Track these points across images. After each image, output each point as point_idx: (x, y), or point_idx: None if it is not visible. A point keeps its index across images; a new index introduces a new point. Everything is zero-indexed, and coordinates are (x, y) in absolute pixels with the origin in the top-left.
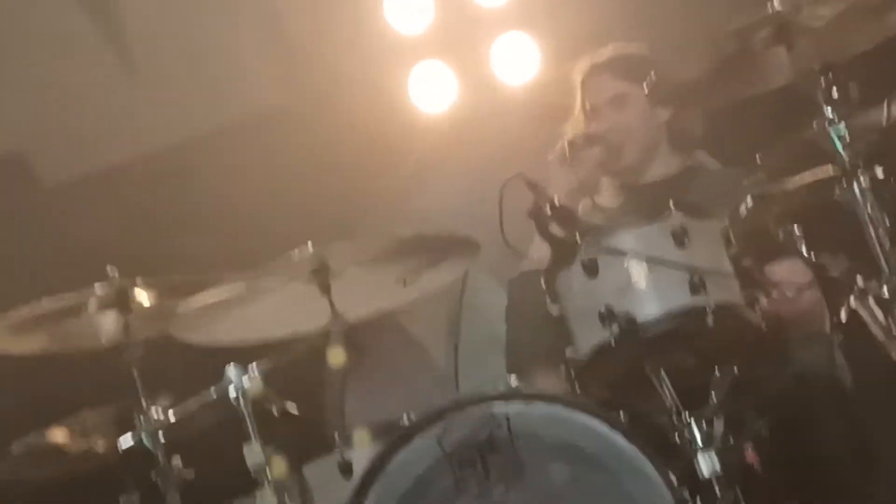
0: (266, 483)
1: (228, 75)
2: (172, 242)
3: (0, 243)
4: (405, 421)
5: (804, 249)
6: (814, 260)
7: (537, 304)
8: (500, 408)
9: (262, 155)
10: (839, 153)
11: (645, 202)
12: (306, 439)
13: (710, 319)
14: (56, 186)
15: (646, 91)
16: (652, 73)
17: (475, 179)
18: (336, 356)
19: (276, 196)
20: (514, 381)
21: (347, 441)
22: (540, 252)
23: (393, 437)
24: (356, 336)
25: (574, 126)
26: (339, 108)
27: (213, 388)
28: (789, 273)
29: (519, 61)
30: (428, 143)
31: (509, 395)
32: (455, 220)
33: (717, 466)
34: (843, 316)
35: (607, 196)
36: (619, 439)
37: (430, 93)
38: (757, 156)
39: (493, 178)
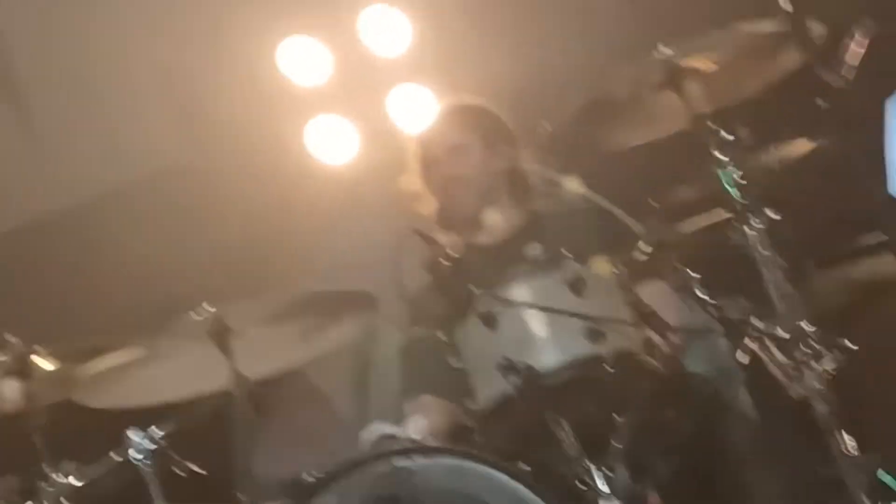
0: None
1: (125, 132)
2: (71, 307)
3: None
4: (307, 478)
5: (701, 293)
6: (711, 303)
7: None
8: (402, 462)
9: (160, 213)
10: (732, 197)
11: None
12: (212, 500)
13: (609, 367)
14: None
15: (484, 142)
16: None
17: (378, 232)
18: None
19: (176, 256)
20: (418, 431)
21: (254, 500)
22: None
23: (296, 496)
24: (261, 394)
25: (408, 179)
26: (238, 163)
27: (114, 452)
28: (653, 293)
29: (417, 112)
30: (329, 196)
31: (412, 450)
32: (360, 274)
33: None
34: (743, 357)
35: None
36: (523, 491)
37: (330, 145)
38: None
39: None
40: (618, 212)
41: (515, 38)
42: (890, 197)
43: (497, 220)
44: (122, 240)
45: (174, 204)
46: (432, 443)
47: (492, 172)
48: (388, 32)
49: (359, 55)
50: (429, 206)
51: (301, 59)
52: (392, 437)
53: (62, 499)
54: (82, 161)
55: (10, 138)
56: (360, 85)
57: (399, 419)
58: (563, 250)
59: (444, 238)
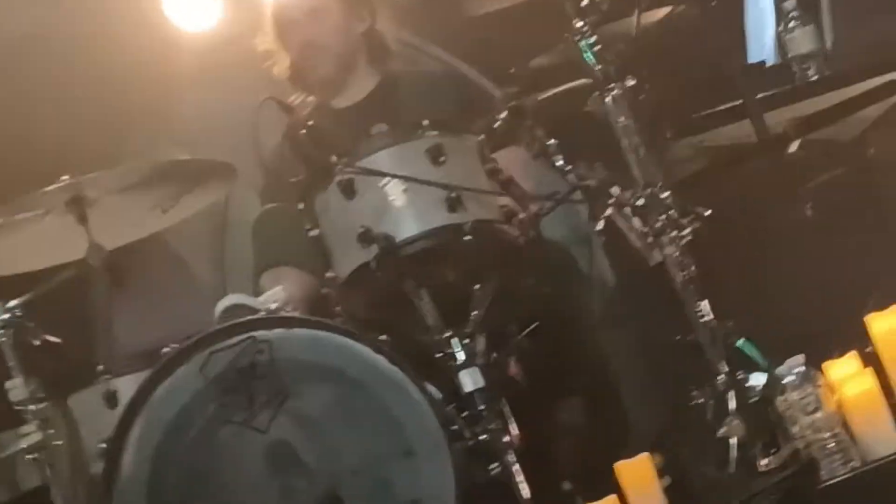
0: (30, 417)
1: None
2: None
3: None
4: (167, 349)
5: (558, 160)
6: (569, 169)
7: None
8: (261, 334)
9: (14, 81)
10: (591, 64)
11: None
12: (70, 371)
13: (468, 236)
14: None
15: (343, 3)
16: None
17: (237, 98)
18: None
19: (31, 125)
20: (276, 301)
21: (112, 371)
22: None
23: (156, 367)
24: (117, 262)
25: (263, 41)
26: (94, 29)
27: None
28: (511, 160)
29: None
30: (187, 62)
31: (270, 321)
32: (216, 142)
33: (481, 382)
34: (601, 224)
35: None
36: (382, 361)
37: (190, 9)
38: (511, 69)
39: (254, 98)
40: (475, 74)
41: None
42: (747, 63)
43: (355, 83)
44: None
45: (28, 71)
46: (290, 313)
47: (350, 35)
48: None
49: None
50: (283, 66)
51: None
52: (246, 308)
53: None
54: None
55: None
56: None
57: (255, 289)
58: (421, 119)
59: (300, 104)
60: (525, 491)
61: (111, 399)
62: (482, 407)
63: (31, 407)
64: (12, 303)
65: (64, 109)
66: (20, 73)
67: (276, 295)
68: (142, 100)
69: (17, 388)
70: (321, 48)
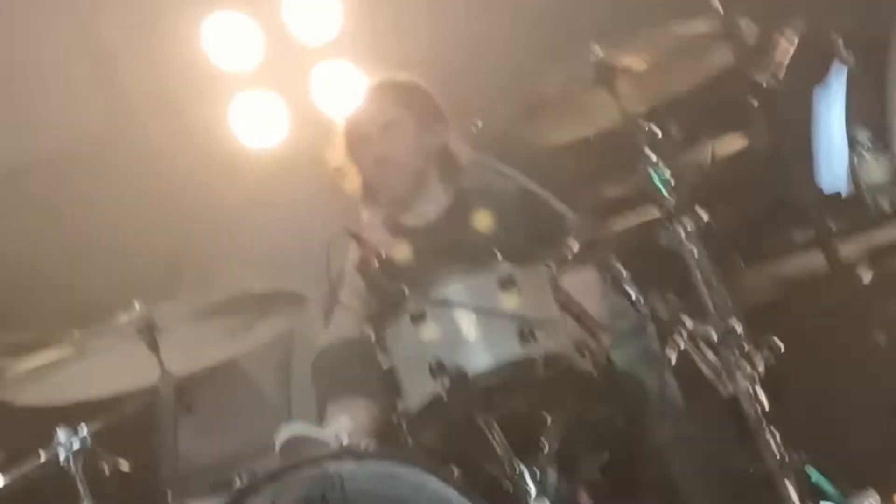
0: None
1: (41, 107)
2: None
3: None
4: (238, 482)
5: (630, 290)
6: (643, 302)
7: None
8: (333, 467)
9: (83, 191)
10: (663, 196)
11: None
12: (139, 497)
13: (540, 369)
14: None
15: (417, 119)
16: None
17: (305, 217)
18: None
19: (99, 250)
20: (343, 432)
21: (180, 498)
22: (340, 327)
23: (227, 500)
24: (187, 386)
25: (334, 158)
26: (159, 142)
27: (42, 450)
28: (583, 289)
29: (344, 91)
30: (254, 179)
31: (341, 454)
32: (285, 265)
33: None
34: (673, 355)
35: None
36: (454, 494)
37: (256, 126)
38: (583, 198)
39: (322, 218)
40: (548, 196)
41: (444, 15)
42: (819, 192)
43: (427, 201)
44: (44, 217)
45: (92, 192)
46: (360, 445)
47: (423, 151)
48: (316, 11)
49: (286, 33)
50: (355, 183)
51: (227, 37)
52: (308, 440)
53: None
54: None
55: None
56: (286, 64)
57: (321, 414)
58: (492, 249)
59: (371, 227)
60: None
61: None
62: None
63: None
64: (83, 430)
65: (131, 232)
66: (86, 184)
67: (342, 425)
68: (208, 220)
69: None
70: (394, 165)
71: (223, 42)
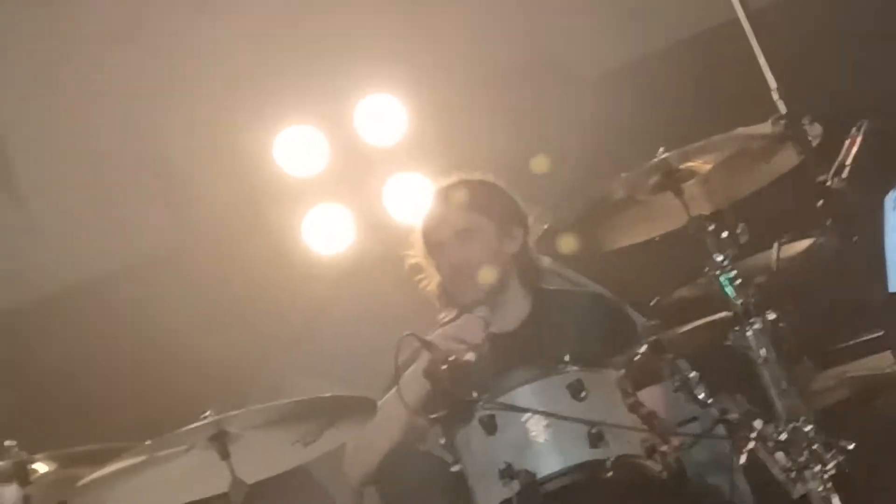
0: None
1: (122, 218)
2: (69, 412)
3: None
4: None
5: (699, 392)
6: (711, 402)
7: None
8: None
9: (158, 303)
10: (730, 297)
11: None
12: None
13: (610, 472)
14: None
15: (495, 224)
16: (503, 204)
17: (374, 322)
18: None
19: (171, 360)
20: None
21: None
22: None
23: None
24: (260, 494)
25: (411, 256)
26: (233, 253)
27: None
28: (652, 394)
29: (414, 201)
30: (325, 285)
31: None
32: (354, 371)
33: None
34: (743, 458)
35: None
36: None
37: (327, 235)
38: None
39: (391, 323)
40: (618, 301)
41: (508, 118)
42: (888, 294)
43: (508, 307)
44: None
45: (168, 299)
46: None
47: (501, 256)
48: (385, 120)
49: (356, 144)
50: (433, 282)
51: (298, 149)
52: None
53: None
54: (77, 249)
55: (8, 227)
56: (357, 174)
57: None
58: (562, 353)
59: (445, 340)
60: None
61: None
62: None
63: None
64: None
65: (203, 343)
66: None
67: None
68: (278, 328)
69: None
70: (471, 271)
71: (293, 153)
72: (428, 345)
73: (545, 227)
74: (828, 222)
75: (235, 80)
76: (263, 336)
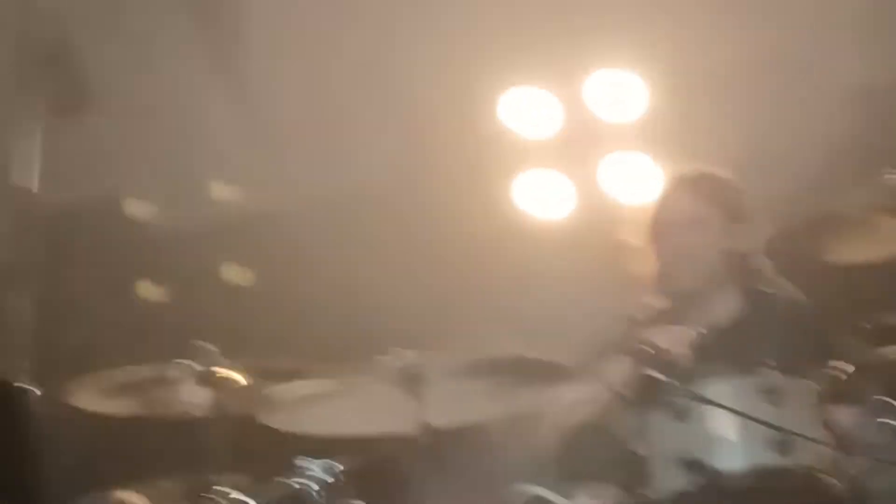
0: None
1: (348, 144)
2: (271, 325)
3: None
4: None
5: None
6: None
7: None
8: None
9: (368, 229)
10: None
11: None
12: None
13: (793, 482)
14: None
15: (725, 218)
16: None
17: (581, 294)
18: None
19: (375, 285)
20: None
21: None
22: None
23: None
24: (442, 443)
25: (629, 234)
26: (447, 199)
27: (285, 478)
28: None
29: (640, 181)
30: (535, 252)
31: None
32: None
33: None
34: None
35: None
36: None
37: (542, 200)
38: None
39: (592, 296)
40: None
41: (751, 115)
42: None
43: (717, 304)
44: (328, 254)
45: (380, 227)
46: None
47: (724, 252)
48: (621, 95)
49: (585, 115)
50: (645, 265)
51: (526, 110)
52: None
53: None
54: (305, 164)
55: (243, 139)
56: (582, 144)
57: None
58: (765, 356)
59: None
60: None
61: None
62: None
63: None
64: (338, 466)
65: (408, 278)
66: (371, 233)
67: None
68: (480, 280)
69: None
70: (693, 261)
71: (520, 113)
72: (632, 321)
73: (768, 229)
74: None
75: (482, 30)
76: (463, 285)
